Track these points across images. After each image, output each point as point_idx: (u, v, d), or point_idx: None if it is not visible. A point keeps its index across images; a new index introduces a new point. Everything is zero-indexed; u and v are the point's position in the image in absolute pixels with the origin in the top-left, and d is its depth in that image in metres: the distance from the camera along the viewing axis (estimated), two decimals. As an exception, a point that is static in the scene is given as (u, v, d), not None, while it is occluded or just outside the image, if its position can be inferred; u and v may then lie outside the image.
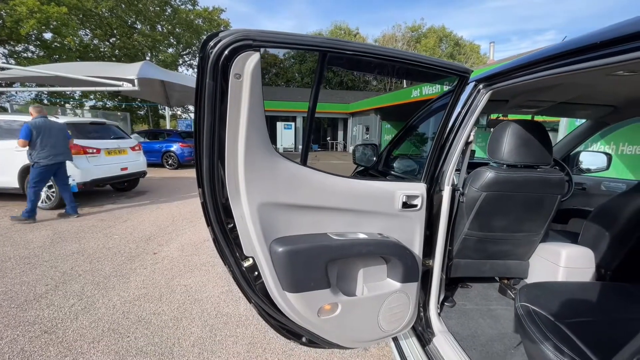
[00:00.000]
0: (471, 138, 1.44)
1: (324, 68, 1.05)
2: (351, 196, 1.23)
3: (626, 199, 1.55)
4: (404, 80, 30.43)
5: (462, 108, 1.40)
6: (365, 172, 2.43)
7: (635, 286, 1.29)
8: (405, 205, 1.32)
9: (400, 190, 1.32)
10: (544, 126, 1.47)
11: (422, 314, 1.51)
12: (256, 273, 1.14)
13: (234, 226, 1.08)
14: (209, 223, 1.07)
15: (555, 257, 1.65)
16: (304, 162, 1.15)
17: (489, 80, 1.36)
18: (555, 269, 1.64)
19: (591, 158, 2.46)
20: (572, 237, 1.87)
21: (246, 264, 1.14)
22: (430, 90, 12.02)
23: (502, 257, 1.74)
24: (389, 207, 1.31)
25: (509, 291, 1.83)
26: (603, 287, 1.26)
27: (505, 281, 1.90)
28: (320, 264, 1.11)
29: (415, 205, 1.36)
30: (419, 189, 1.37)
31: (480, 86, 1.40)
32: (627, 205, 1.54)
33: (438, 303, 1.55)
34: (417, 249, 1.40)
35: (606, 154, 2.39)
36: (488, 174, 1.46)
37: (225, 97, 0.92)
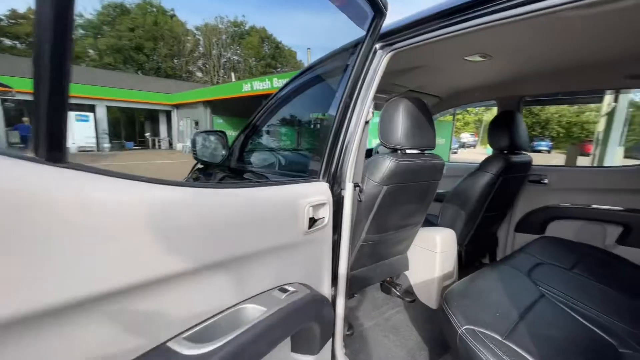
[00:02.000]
0: (370, 116, 1.08)
1: None
2: (213, 226, 0.57)
3: (474, 179, 1.69)
4: (233, 74, 29.71)
5: (361, 73, 1.01)
6: (210, 171, 1.70)
7: (504, 263, 1.36)
8: (313, 221, 0.79)
9: (302, 197, 0.77)
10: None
11: None
12: None
13: None
14: None
15: (432, 244, 1.62)
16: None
17: (387, 38, 1.03)
18: (432, 255, 1.61)
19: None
20: (427, 220, 1.96)
21: None
22: (262, 85, 12.01)
23: (389, 257, 1.55)
24: (289, 232, 0.73)
25: (394, 288, 1.69)
26: (495, 273, 1.23)
27: (388, 278, 1.77)
28: None
29: (323, 219, 0.85)
30: (323, 191, 0.87)
31: (377, 46, 1.05)
32: (475, 185, 1.69)
33: (343, 342, 1.13)
34: (326, 285, 0.91)
35: None
36: (388, 163, 1.15)
37: None
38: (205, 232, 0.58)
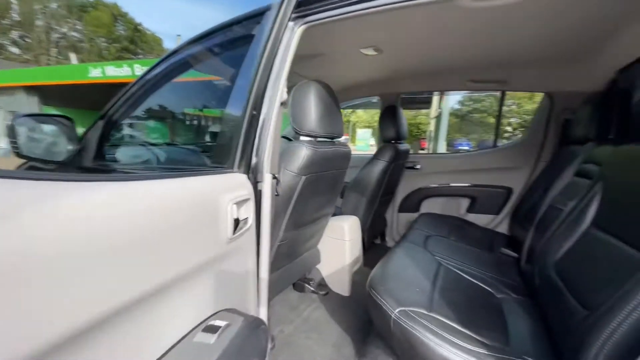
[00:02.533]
0: (284, 96, 0.95)
1: None
2: (87, 250, 0.32)
3: (371, 168, 1.81)
4: (73, 55, 23.24)
5: (276, 48, 0.87)
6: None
7: (406, 241, 1.50)
8: (236, 224, 0.60)
9: (223, 192, 0.57)
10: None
11: None
12: None
13: None
14: None
15: (340, 232, 1.64)
16: None
17: (300, 8, 0.92)
18: (342, 244, 1.64)
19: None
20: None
21: None
22: (118, 72, 9.85)
23: (303, 252, 1.48)
24: (210, 241, 0.53)
25: (307, 284, 1.63)
26: (403, 251, 1.33)
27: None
28: None
29: (247, 219, 0.67)
30: (243, 184, 0.69)
31: (291, 17, 0.93)
32: (372, 173, 1.81)
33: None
34: (253, 300, 0.73)
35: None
36: (304, 151, 1.06)
37: None
38: (69, 263, 0.32)
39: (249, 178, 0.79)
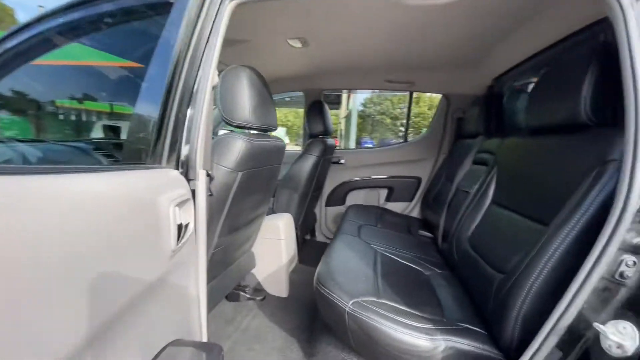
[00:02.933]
0: (216, 79, 0.83)
1: None
2: None
3: (302, 163, 1.78)
4: None
5: (211, 23, 0.74)
6: None
7: (343, 233, 1.52)
8: (180, 231, 0.47)
9: (161, 191, 0.44)
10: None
11: None
12: None
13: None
14: None
15: (276, 232, 1.56)
16: None
17: None
18: (278, 244, 1.56)
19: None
20: None
21: None
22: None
23: (238, 258, 1.34)
24: (152, 256, 0.39)
25: (242, 292, 1.49)
26: (343, 243, 1.34)
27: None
28: None
29: (189, 225, 0.54)
30: (180, 181, 0.55)
31: None
32: (303, 168, 1.78)
33: None
34: (197, 322, 0.60)
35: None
36: (240, 144, 0.95)
37: None
38: None
39: (181, 174, 0.65)
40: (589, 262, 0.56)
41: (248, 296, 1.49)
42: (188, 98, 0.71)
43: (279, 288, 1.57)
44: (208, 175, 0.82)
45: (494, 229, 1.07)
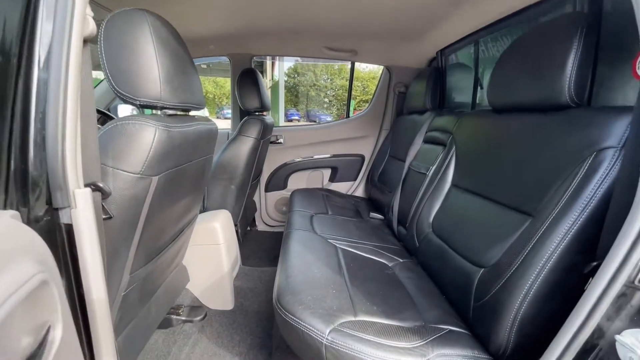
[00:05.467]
0: (93, 27, 0.49)
1: None
2: None
3: (237, 147, 1.46)
4: None
5: None
6: None
7: (295, 230, 1.32)
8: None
9: None
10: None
11: None
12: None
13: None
14: None
15: (213, 236, 1.26)
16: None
17: None
18: (216, 249, 1.28)
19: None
20: None
21: None
22: None
23: (164, 281, 1.02)
24: None
25: (176, 316, 1.19)
26: (299, 245, 1.14)
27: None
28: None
29: (47, 333, 0.26)
30: (13, 238, 0.26)
31: None
32: (240, 153, 1.47)
33: None
34: None
35: None
36: (151, 134, 0.62)
37: None
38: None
39: (26, 214, 0.34)
40: (611, 268, 0.49)
41: (183, 319, 1.19)
42: (29, 61, 0.37)
43: (222, 301, 1.31)
44: (98, 189, 0.51)
45: (459, 216, 1.01)
